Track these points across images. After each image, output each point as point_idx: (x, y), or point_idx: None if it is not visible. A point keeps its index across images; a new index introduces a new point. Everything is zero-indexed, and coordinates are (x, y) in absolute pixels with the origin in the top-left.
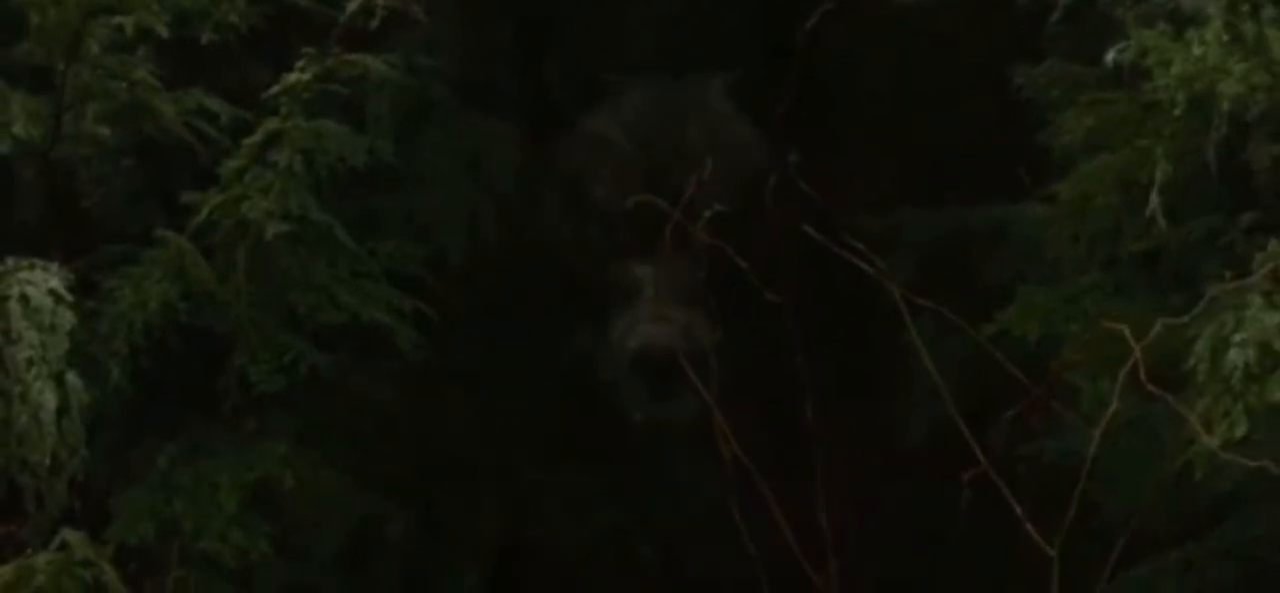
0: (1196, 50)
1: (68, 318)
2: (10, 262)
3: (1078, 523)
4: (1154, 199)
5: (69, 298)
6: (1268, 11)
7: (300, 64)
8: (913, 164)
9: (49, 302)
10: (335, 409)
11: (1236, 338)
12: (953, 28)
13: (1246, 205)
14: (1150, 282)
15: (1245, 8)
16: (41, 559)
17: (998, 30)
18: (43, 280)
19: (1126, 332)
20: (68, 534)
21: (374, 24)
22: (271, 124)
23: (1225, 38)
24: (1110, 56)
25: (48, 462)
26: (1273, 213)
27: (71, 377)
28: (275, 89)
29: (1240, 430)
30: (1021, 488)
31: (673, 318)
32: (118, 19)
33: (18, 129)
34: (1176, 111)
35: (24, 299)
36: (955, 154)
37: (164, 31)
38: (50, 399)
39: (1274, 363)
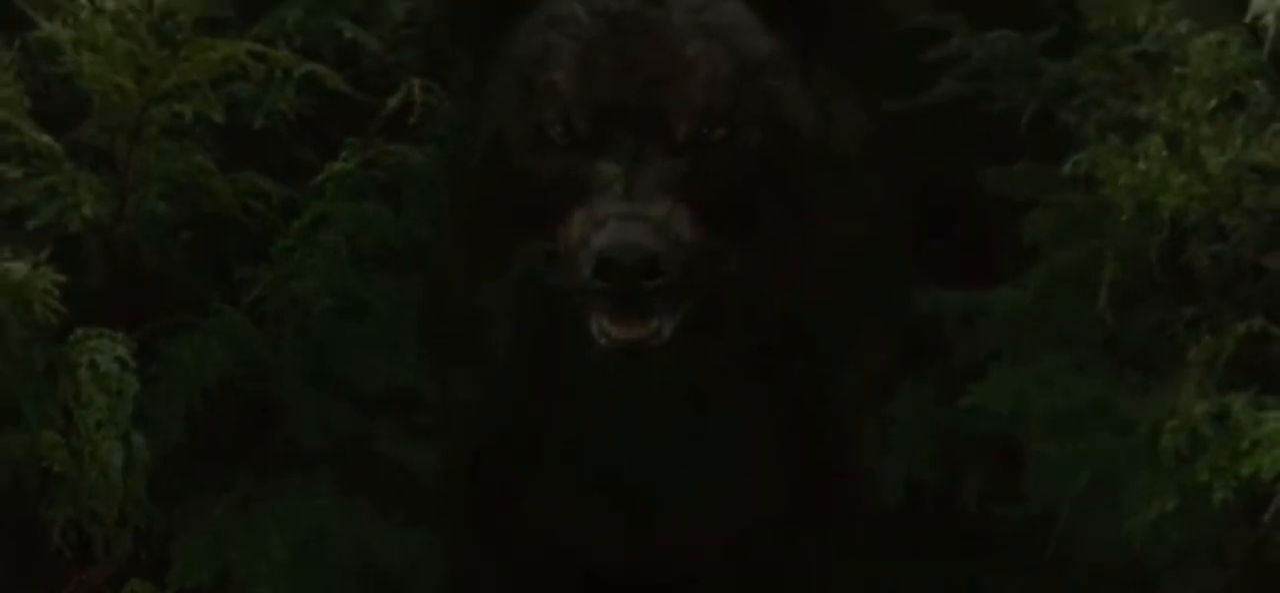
0: (1141, 165)
1: (133, 383)
2: (80, 331)
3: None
4: (1103, 296)
5: (133, 364)
6: (1204, 130)
7: (345, 154)
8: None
9: (116, 368)
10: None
11: (1170, 424)
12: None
13: (1189, 299)
14: (1109, 362)
15: (1187, 124)
16: None
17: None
18: (110, 349)
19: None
20: (135, 584)
21: (412, 120)
22: (319, 206)
23: (1166, 153)
24: (1068, 167)
25: (115, 514)
26: (1211, 306)
27: (136, 437)
28: (322, 176)
29: (1171, 505)
30: (997, 542)
31: (648, 214)
32: (177, 106)
33: (87, 210)
34: (1125, 217)
35: (93, 366)
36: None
37: (219, 117)
38: (117, 458)
39: (1202, 446)
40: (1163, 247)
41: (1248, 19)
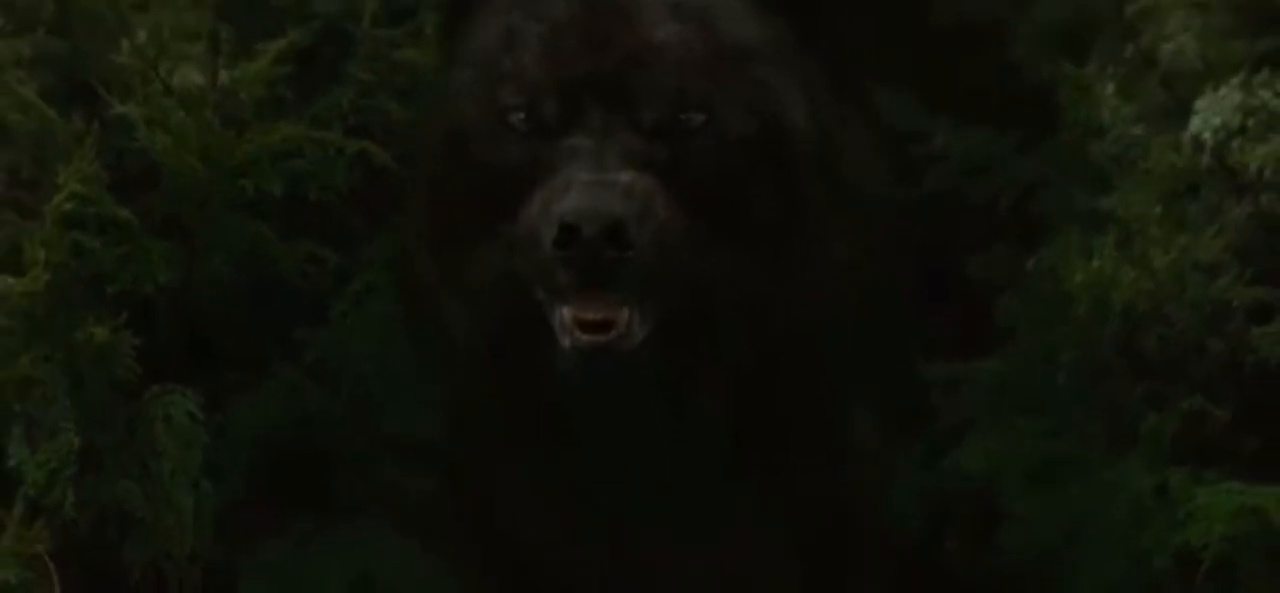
0: (1096, 263)
1: (202, 435)
2: (155, 388)
3: None
4: (1062, 377)
5: (201, 418)
6: (1152, 232)
7: (392, 229)
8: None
9: (187, 421)
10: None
11: (1118, 496)
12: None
13: (1141, 378)
14: (1078, 427)
15: (1136, 226)
16: None
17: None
18: (182, 404)
19: None
20: None
21: None
22: (369, 276)
23: (1117, 252)
24: (1031, 264)
25: (187, 553)
26: (1160, 383)
27: (205, 484)
28: (373, 249)
29: (1119, 569)
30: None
31: (618, 180)
32: (241, 181)
33: (160, 277)
34: (1081, 309)
35: (167, 420)
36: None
37: (279, 191)
38: (188, 503)
39: (1146, 519)
40: (1116, 333)
41: (1187, 136)
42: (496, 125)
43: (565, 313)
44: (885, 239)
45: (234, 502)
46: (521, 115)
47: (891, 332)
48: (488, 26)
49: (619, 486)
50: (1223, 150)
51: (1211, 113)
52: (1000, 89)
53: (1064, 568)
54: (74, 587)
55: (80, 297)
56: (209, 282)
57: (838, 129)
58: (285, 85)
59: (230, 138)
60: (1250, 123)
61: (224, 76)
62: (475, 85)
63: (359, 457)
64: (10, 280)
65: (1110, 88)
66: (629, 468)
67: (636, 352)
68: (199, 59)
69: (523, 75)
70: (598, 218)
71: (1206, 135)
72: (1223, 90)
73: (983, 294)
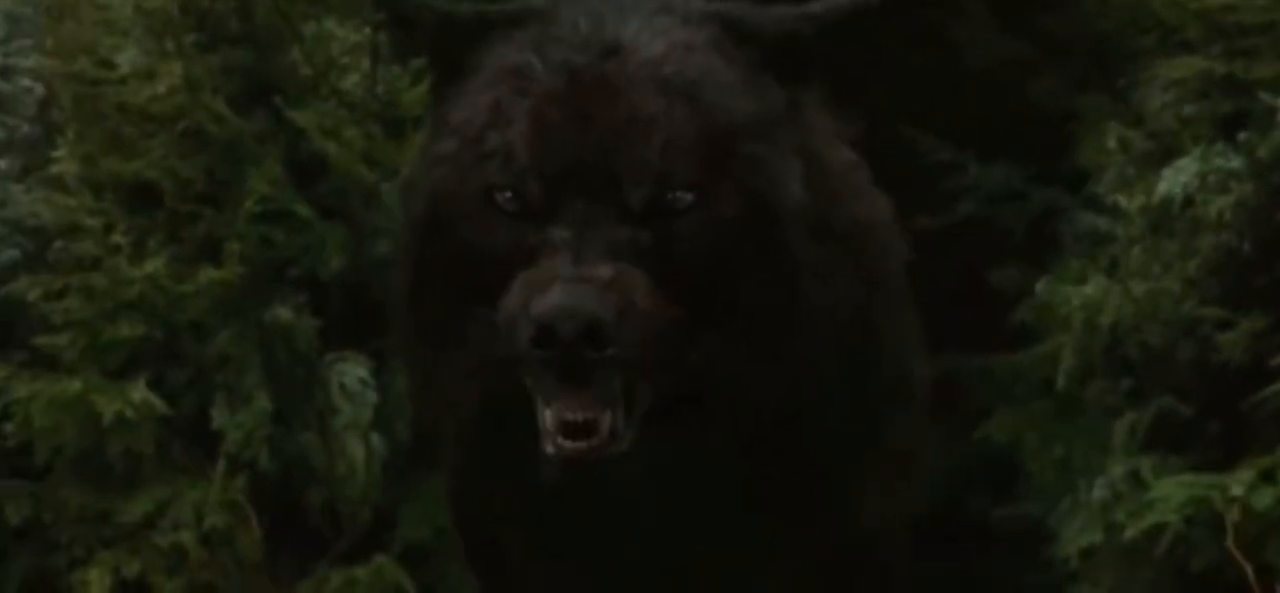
0: (1088, 290)
1: (370, 396)
2: (330, 356)
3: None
4: (1060, 378)
5: (371, 381)
6: (1133, 264)
7: None
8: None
9: (358, 385)
10: None
11: (1099, 480)
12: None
13: (1126, 376)
14: (1080, 411)
15: (1122, 256)
16: (361, 572)
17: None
18: (353, 370)
19: None
20: (380, 560)
21: None
22: None
23: (1104, 281)
24: (1040, 287)
25: (359, 495)
26: (1144, 380)
27: (374, 436)
28: None
29: (1098, 538)
30: (998, 542)
31: (596, 275)
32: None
33: (333, 263)
34: (1076, 326)
35: (341, 384)
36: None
37: None
38: (359, 453)
39: (1120, 497)
40: (1104, 344)
41: (1156, 199)
42: (482, 204)
43: (548, 416)
44: (895, 274)
45: (397, 452)
46: (509, 195)
47: (900, 341)
48: (476, 99)
49: (620, 559)
50: (1188, 202)
51: (1176, 177)
52: (1022, 125)
53: (1060, 527)
54: (266, 527)
55: (267, 282)
56: (372, 262)
57: (839, 180)
58: None
59: (391, 148)
60: (1211, 178)
61: (382, 82)
62: (461, 159)
63: None
64: (212, 272)
65: (1113, 123)
66: (628, 543)
67: (629, 452)
68: (361, 68)
69: (510, 155)
70: (573, 318)
71: (1175, 192)
72: (1185, 160)
73: (1007, 299)
